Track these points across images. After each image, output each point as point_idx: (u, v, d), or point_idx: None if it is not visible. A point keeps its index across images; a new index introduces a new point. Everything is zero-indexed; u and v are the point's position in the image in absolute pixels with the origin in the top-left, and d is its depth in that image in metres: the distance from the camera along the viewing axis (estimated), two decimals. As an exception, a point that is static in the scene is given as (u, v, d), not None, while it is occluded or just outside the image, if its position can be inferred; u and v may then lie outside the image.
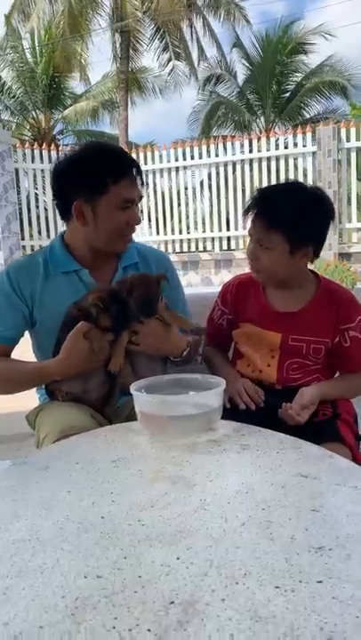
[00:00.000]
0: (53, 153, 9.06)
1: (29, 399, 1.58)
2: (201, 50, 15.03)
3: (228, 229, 9.09)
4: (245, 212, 1.42)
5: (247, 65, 17.21)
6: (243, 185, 8.98)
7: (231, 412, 1.21)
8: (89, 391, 1.39)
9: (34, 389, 1.56)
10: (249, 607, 0.54)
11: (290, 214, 1.33)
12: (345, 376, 1.48)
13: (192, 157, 9.25)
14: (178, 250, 9.35)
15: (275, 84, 16.75)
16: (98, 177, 1.35)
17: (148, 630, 0.52)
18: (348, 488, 0.80)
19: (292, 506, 0.75)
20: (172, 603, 0.55)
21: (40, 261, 1.46)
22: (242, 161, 9.05)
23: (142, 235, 9.29)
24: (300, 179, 8.82)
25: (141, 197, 1.45)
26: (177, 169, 9.37)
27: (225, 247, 9.09)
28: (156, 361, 1.42)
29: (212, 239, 9.20)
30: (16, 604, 0.57)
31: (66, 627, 0.53)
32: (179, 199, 9.52)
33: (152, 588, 0.58)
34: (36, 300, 1.43)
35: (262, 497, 0.78)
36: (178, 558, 0.63)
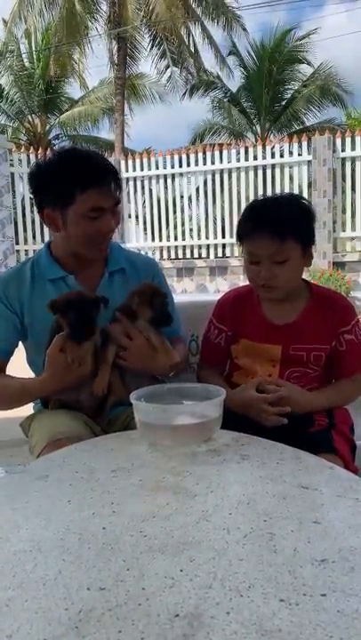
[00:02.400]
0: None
1: (24, 406, 1.57)
2: (199, 57, 15.11)
3: (223, 236, 9.12)
4: (245, 236, 1.39)
5: (243, 73, 17.33)
6: (238, 192, 9.02)
7: (230, 420, 1.20)
8: (81, 401, 1.39)
9: None
10: (254, 620, 0.54)
11: (295, 218, 1.35)
12: (337, 384, 1.48)
13: (188, 164, 9.29)
14: (173, 256, 9.36)
15: (270, 93, 16.85)
16: (64, 186, 1.33)
17: (154, 644, 0.51)
18: (350, 500, 0.80)
19: (294, 517, 0.75)
20: (177, 616, 0.55)
21: (27, 270, 1.46)
22: (237, 169, 9.10)
23: (137, 241, 9.31)
24: (296, 187, 8.89)
25: (117, 203, 1.41)
26: (173, 176, 9.40)
27: (220, 254, 9.11)
28: (144, 377, 1.41)
29: (208, 246, 9.23)
30: (19, 616, 0.57)
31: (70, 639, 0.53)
32: (174, 206, 9.55)
33: (156, 600, 0.58)
34: (25, 309, 1.42)
35: (264, 508, 0.78)
36: (181, 570, 0.63)
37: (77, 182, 1.32)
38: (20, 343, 1.49)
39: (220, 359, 1.55)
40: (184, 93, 16.36)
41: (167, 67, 14.76)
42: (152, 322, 1.37)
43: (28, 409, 1.57)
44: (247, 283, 1.48)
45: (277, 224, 1.33)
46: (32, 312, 1.42)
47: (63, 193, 1.33)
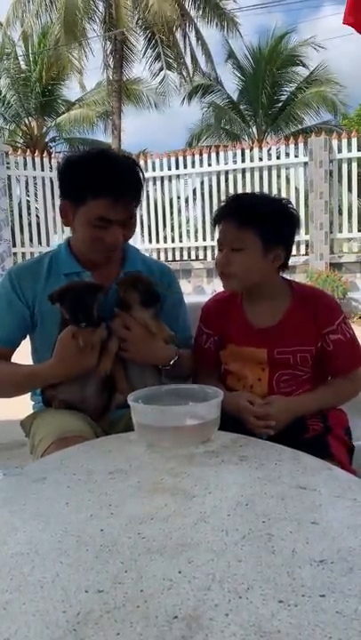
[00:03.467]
0: (46, 160, 9.06)
1: (22, 407, 1.57)
2: (194, 60, 15.12)
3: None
4: (216, 220, 1.41)
5: (239, 75, 17.37)
6: (232, 195, 9.01)
7: (228, 421, 1.20)
8: (86, 399, 1.39)
9: (28, 396, 1.55)
10: (253, 622, 0.54)
11: (261, 212, 1.35)
12: (331, 384, 1.46)
13: (185, 166, 9.29)
14: (170, 258, 9.36)
15: (267, 95, 16.89)
16: (78, 187, 1.34)
17: (152, 646, 0.51)
18: (348, 500, 0.80)
19: (293, 518, 0.75)
20: (176, 617, 0.55)
21: (45, 263, 1.47)
22: (234, 170, 9.10)
23: (134, 243, 9.26)
24: (292, 189, 8.90)
25: (130, 217, 1.39)
26: (170, 177, 9.40)
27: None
28: (148, 370, 1.43)
29: (205, 248, 9.23)
30: (16, 618, 0.56)
31: (68, 643, 0.52)
32: (171, 208, 9.54)
33: (154, 602, 0.58)
34: (37, 302, 1.43)
35: (262, 509, 0.78)
36: (180, 572, 0.63)
37: (91, 187, 1.32)
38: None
39: (213, 364, 1.53)
40: (183, 99, 16.39)
41: (161, 69, 14.76)
42: (142, 304, 1.38)
43: (28, 409, 1.57)
44: None
45: (239, 212, 1.35)
46: (43, 306, 1.42)
47: (77, 191, 1.34)
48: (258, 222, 1.33)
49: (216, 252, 1.47)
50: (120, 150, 13.47)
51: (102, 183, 1.32)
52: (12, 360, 1.46)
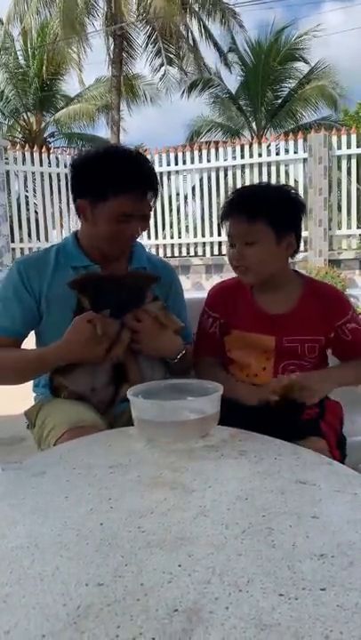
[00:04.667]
0: (44, 155, 9.03)
1: (22, 401, 1.57)
2: (194, 55, 15.06)
3: (219, 234, 9.10)
4: (224, 217, 1.42)
5: (240, 70, 17.31)
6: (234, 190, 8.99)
7: (227, 417, 1.20)
8: (96, 391, 1.39)
9: (30, 390, 1.55)
10: (253, 615, 0.54)
11: (269, 202, 1.36)
12: (352, 363, 1.47)
13: (184, 162, 9.27)
14: (169, 254, 9.35)
15: (267, 90, 16.85)
16: (99, 184, 1.35)
17: (153, 639, 0.51)
18: (348, 494, 0.80)
19: (293, 512, 0.75)
20: (176, 611, 0.55)
21: (52, 255, 1.48)
22: (233, 166, 9.09)
23: (140, 238, 9.27)
24: (291, 184, 8.88)
25: (149, 211, 1.42)
26: (169, 173, 9.38)
27: (216, 252, 9.11)
28: (157, 364, 1.44)
29: (204, 244, 9.22)
30: (16, 611, 0.56)
31: (68, 635, 0.52)
32: (170, 204, 9.53)
33: (155, 595, 0.58)
34: (44, 292, 1.43)
35: (262, 504, 0.78)
36: (180, 565, 0.63)
37: (113, 184, 1.33)
38: None
39: (218, 349, 1.52)
40: (182, 92, 16.32)
41: (161, 65, 14.71)
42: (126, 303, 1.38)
43: (29, 403, 1.56)
44: None
45: (248, 205, 1.36)
46: (50, 297, 1.42)
47: (97, 189, 1.35)
48: (267, 213, 1.34)
49: (226, 247, 1.47)
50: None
51: (124, 180, 1.34)
52: None
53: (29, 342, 1.49)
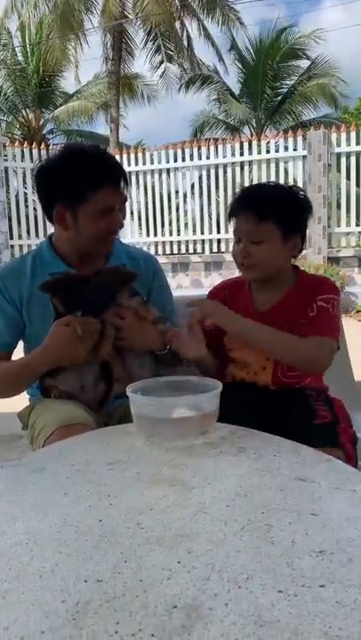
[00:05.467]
0: (43, 152, 9.01)
1: (18, 400, 1.57)
2: (194, 52, 15.03)
3: (218, 232, 9.10)
4: (232, 213, 1.42)
5: (239, 68, 17.27)
6: (234, 188, 8.99)
7: (226, 414, 1.20)
8: (85, 389, 1.39)
9: None
10: (252, 612, 0.54)
11: (278, 203, 1.36)
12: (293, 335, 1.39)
13: (183, 159, 9.25)
14: (168, 252, 9.34)
15: (266, 88, 16.82)
16: (76, 186, 1.33)
17: (152, 635, 0.51)
18: (347, 492, 0.80)
19: (292, 509, 0.75)
20: (175, 607, 0.55)
21: (28, 263, 1.46)
22: (233, 164, 9.08)
23: (132, 236, 9.28)
24: (291, 182, 8.87)
25: (125, 200, 1.43)
26: (168, 170, 9.36)
27: (215, 249, 9.10)
28: (145, 356, 1.43)
29: (203, 241, 9.21)
30: (15, 608, 0.56)
31: (67, 631, 0.52)
32: (169, 201, 9.51)
33: (154, 592, 0.58)
34: (24, 302, 1.43)
35: (261, 500, 0.78)
36: (179, 562, 0.63)
37: (89, 181, 1.33)
38: None
39: (214, 344, 1.48)
40: (180, 87, 16.27)
41: (161, 62, 14.66)
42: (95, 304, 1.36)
43: (24, 401, 1.56)
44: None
45: (257, 205, 1.36)
46: (31, 305, 1.42)
47: (74, 192, 1.34)
48: (276, 214, 1.35)
49: (225, 243, 1.47)
50: (118, 143, 13.43)
51: (99, 174, 1.33)
52: None
53: (17, 352, 1.50)
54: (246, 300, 1.48)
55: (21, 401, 1.56)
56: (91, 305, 1.32)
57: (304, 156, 8.56)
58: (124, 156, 9.33)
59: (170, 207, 9.57)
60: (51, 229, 1.50)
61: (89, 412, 1.36)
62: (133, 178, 9.28)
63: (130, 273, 1.41)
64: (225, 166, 9.11)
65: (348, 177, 8.50)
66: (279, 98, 17.23)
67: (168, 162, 9.29)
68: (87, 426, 1.24)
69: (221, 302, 1.50)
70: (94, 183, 1.33)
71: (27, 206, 9.25)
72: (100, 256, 1.49)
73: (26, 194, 9.46)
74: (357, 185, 8.40)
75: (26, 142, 9.55)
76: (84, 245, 1.42)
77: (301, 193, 1.44)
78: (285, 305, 1.42)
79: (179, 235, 9.48)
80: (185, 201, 10.15)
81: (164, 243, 9.43)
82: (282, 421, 1.26)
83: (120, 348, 1.38)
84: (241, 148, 9.02)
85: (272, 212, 1.35)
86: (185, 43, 14.48)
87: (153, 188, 9.43)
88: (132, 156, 9.35)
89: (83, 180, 1.33)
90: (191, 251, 9.29)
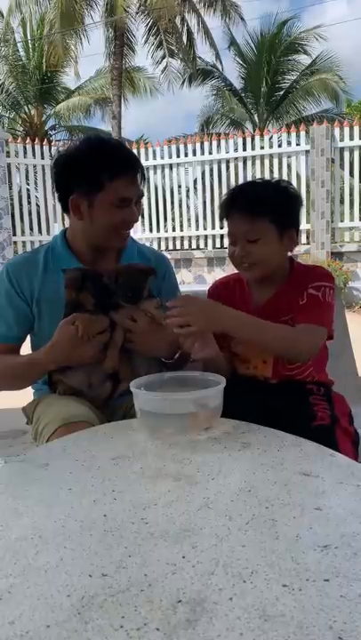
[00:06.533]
0: (46, 148, 9.01)
1: (22, 395, 1.57)
2: (195, 47, 14.96)
3: (221, 227, 9.09)
4: (223, 214, 1.41)
5: (241, 62, 17.20)
6: (237, 183, 8.97)
7: (229, 409, 1.19)
8: (92, 386, 1.39)
9: None
10: (257, 606, 0.54)
11: (271, 200, 1.36)
12: (281, 325, 1.36)
13: (186, 154, 9.24)
14: (171, 247, 9.34)
15: (269, 82, 16.76)
16: (94, 173, 1.33)
17: (157, 629, 0.51)
18: (351, 486, 0.80)
19: (296, 504, 0.75)
20: (180, 601, 0.55)
21: (41, 257, 1.46)
22: (235, 159, 9.06)
23: (135, 232, 9.28)
24: (294, 177, 8.85)
25: (142, 195, 1.42)
26: (170, 166, 9.35)
27: (218, 245, 9.10)
28: (152, 362, 1.42)
29: (206, 237, 9.21)
30: (21, 602, 0.56)
31: (73, 626, 0.52)
32: (172, 196, 9.50)
33: (159, 586, 0.58)
34: (35, 296, 1.42)
35: (265, 495, 0.78)
36: (183, 557, 0.63)
37: (108, 170, 1.32)
38: None
39: (222, 342, 1.46)
40: (182, 82, 16.21)
41: (163, 57, 14.60)
42: (122, 299, 1.35)
43: (28, 396, 1.57)
44: None
45: (249, 203, 1.35)
46: (42, 299, 1.41)
47: (92, 179, 1.33)
48: (270, 210, 1.34)
49: (226, 243, 1.46)
50: (120, 138, 13.41)
51: (117, 164, 1.34)
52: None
53: (25, 346, 1.50)
54: (245, 295, 1.48)
55: (25, 396, 1.57)
56: (116, 304, 1.32)
57: (307, 151, 8.54)
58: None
59: (172, 203, 9.56)
60: (54, 226, 1.49)
61: (93, 409, 1.36)
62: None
63: (149, 268, 1.41)
64: (228, 161, 9.09)
65: (351, 171, 8.46)
66: (281, 92, 17.16)
67: (171, 157, 9.28)
68: (90, 424, 1.23)
69: (222, 294, 1.50)
70: (112, 172, 1.33)
71: (29, 203, 9.26)
72: (112, 252, 1.48)
73: (29, 190, 9.48)
74: (361, 179, 8.38)
75: (28, 138, 9.55)
76: (98, 237, 1.41)
77: (291, 187, 1.43)
78: (281, 297, 1.42)
79: (182, 230, 9.49)
80: (188, 196, 10.14)
81: (166, 238, 9.43)
82: (281, 422, 1.24)
83: (128, 349, 1.37)
84: (244, 143, 8.99)
85: (265, 208, 1.34)
86: (185, 38, 14.40)
87: (155, 183, 9.42)
88: (135, 151, 9.34)
89: (101, 167, 1.32)
90: (194, 246, 9.29)
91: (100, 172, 1.33)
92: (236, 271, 1.49)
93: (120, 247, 1.48)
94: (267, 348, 1.37)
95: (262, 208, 1.34)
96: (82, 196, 1.36)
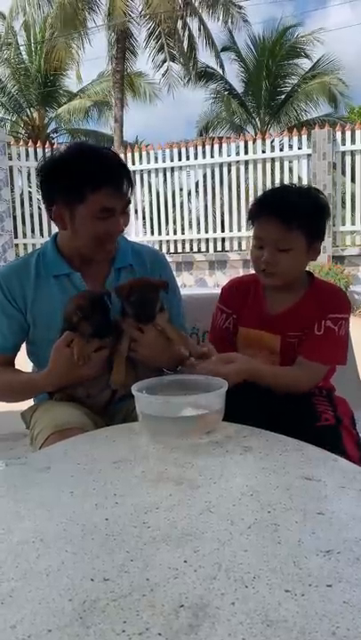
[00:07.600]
0: (48, 151, 9.02)
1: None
2: (197, 51, 14.98)
3: (222, 231, 9.10)
4: (253, 217, 1.40)
5: (243, 66, 17.23)
6: (238, 186, 8.99)
7: (231, 413, 1.19)
8: (92, 396, 1.39)
9: None
10: (260, 611, 0.54)
11: (305, 211, 1.34)
12: (293, 368, 1.41)
13: (187, 158, 9.24)
14: (172, 250, 9.34)
15: (270, 86, 16.78)
16: (75, 184, 1.30)
17: (159, 634, 0.51)
18: (354, 490, 0.80)
19: (298, 509, 0.75)
20: (182, 606, 0.55)
21: (32, 263, 1.44)
22: (237, 162, 9.06)
23: (136, 235, 9.28)
24: (295, 181, 8.85)
25: (128, 204, 1.38)
26: (172, 169, 9.36)
27: (219, 248, 9.10)
28: (154, 372, 1.39)
29: (207, 240, 9.21)
30: (23, 606, 0.56)
31: (74, 630, 0.52)
32: (173, 200, 9.51)
33: (161, 591, 0.57)
34: (28, 304, 1.41)
35: (267, 499, 0.77)
36: (185, 561, 0.63)
37: (89, 181, 1.29)
38: None
39: (229, 344, 1.50)
40: (188, 80, 16.18)
41: (164, 61, 14.62)
42: (135, 318, 1.34)
43: (29, 400, 1.56)
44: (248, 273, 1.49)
45: (286, 212, 1.33)
46: (35, 307, 1.40)
47: (73, 190, 1.30)
48: (304, 222, 1.34)
49: (250, 245, 1.45)
50: (122, 142, 13.43)
51: (99, 174, 1.30)
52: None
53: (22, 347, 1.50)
54: (259, 299, 1.47)
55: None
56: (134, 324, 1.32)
57: (309, 155, 8.54)
58: (128, 155, 9.34)
59: (174, 206, 9.56)
60: (55, 229, 1.48)
61: (90, 414, 1.36)
62: (138, 177, 9.28)
63: (161, 282, 1.38)
64: (229, 165, 9.10)
65: (352, 175, 8.46)
66: (282, 96, 17.18)
67: (172, 160, 9.28)
68: (83, 430, 1.22)
69: (235, 295, 1.50)
70: (94, 183, 1.29)
71: (31, 205, 9.27)
72: (105, 258, 1.46)
73: (30, 193, 9.48)
74: (362, 183, 8.37)
75: (30, 141, 9.57)
76: (82, 247, 1.39)
77: (322, 197, 1.41)
78: (298, 311, 1.42)
79: (183, 233, 9.49)
80: (189, 200, 10.14)
81: (168, 241, 9.43)
82: (284, 424, 1.24)
83: (131, 357, 1.36)
84: (245, 146, 8.99)
85: (300, 219, 1.33)
86: (186, 42, 14.44)
87: (157, 186, 9.43)
88: (137, 154, 9.35)
89: (83, 179, 1.29)
90: (195, 249, 9.29)
91: (81, 184, 1.29)
92: (242, 274, 1.49)
93: (106, 258, 1.44)
94: (272, 387, 1.38)
95: (298, 219, 1.32)
96: (64, 207, 1.34)
